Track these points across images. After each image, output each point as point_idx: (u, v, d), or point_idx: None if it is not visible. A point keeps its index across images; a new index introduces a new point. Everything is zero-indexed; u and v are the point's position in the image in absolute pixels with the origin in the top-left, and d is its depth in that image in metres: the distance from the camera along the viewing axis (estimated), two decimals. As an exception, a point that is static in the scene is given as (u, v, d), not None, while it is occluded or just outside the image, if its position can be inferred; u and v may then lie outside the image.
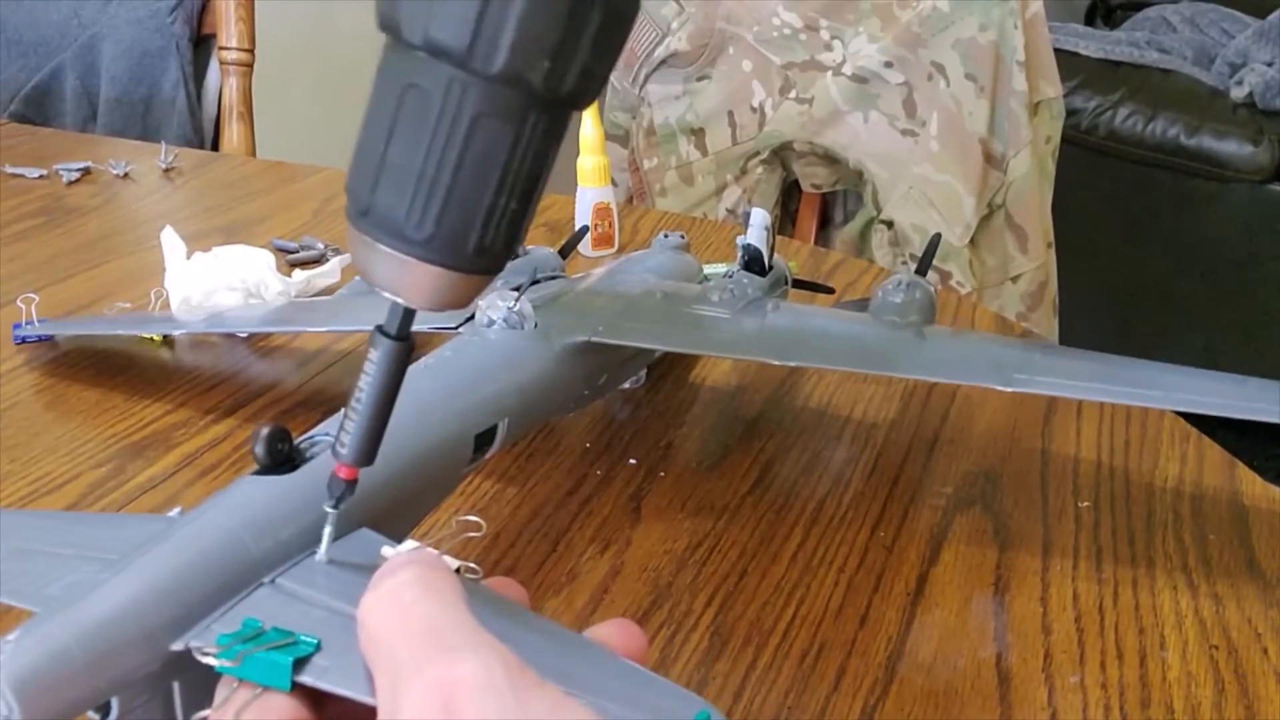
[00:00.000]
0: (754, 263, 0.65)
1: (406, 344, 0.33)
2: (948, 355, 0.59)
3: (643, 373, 0.69)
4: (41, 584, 0.35)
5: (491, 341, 0.53)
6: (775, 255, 0.67)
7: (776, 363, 0.57)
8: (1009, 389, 0.54)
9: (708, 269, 0.76)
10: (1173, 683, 0.49)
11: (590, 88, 0.30)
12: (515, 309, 0.54)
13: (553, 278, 0.67)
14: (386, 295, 0.32)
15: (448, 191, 0.30)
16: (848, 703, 0.48)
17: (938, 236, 0.71)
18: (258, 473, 0.38)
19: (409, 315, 0.33)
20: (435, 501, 0.47)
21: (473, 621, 0.28)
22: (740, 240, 0.66)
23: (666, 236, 0.76)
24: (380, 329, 0.33)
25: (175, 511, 0.38)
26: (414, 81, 0.29)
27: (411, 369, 0.48)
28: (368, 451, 0.34)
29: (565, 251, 0.71)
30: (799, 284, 0.73)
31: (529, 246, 0.72)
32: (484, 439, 0.48)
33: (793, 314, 0.63)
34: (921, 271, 0.65)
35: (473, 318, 0.56)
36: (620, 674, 0.31)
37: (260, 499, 0.36)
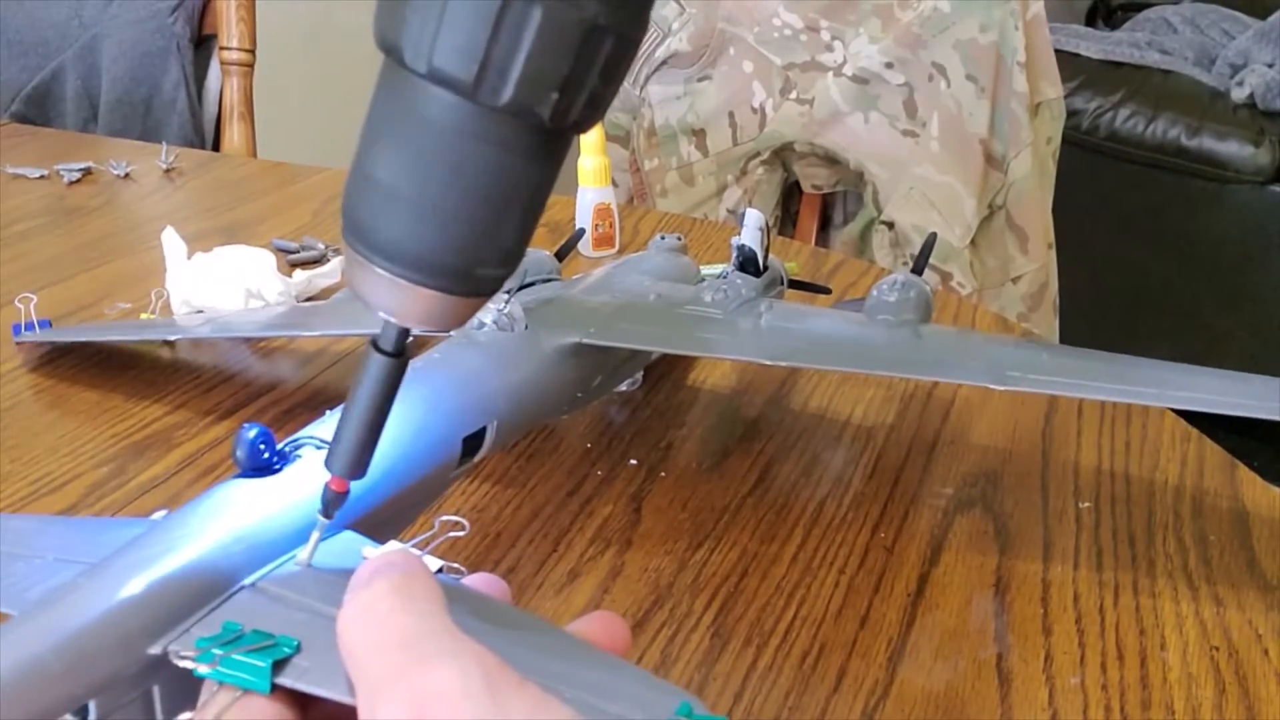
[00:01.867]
0: (748, 263, 0.65)
1: (401, 360, 0.33)
2: (941, 354, 0.59)
3: (639, 375, 0.69)
4: (22, 588, 0.34)
5: (480, 344, 0.53)
6: (770, 255, 0.67)
7: (768, 363, 0.57)
8: (1001, 387, 0.54)
9: (705, 269, 0.76)
10: (1173, 684, 0.49)
11: (596, 115, 0.29)
12: (505, 311, 0.54)
13: (548, 280, 0.67)
14: (382, 315, 0.32)
15: (447, 218, 0.29)
16: (848, 704, 0.47)
17: (934, 236, 0.71)
18: (240, 475, 0.37)
19: (404, 333, 0.32)
20: (424, 504, 0.47)
21: (450, 627, 0.28)
22: (735, 240, 0.66)
23: (663, 238, 0.75)
24: (375, 344, 0.33)
25: (160, 514, 0.38)
26: (415, 107, 0.29)
27: None
28: (359, 464, 0.34)
29: (562, 254, 0.71)
30: (796, 284, 0.73)
31: None
32: (472, 441, 0.48)
33: (785, 314, 0.62)
34: (918, 270, 0.65)
35: None
36: (601, 667, 0.31)
37: (242, 502, 0.36)
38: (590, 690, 0.29)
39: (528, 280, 0.65)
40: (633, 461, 0.64)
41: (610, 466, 0.63)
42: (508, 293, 0.56)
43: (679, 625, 0.52)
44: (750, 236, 0.65)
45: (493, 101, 0.28)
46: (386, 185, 0.30)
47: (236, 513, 0.35)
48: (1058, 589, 0.55)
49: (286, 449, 0.39)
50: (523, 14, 0.27)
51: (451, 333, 0.56)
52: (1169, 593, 0.55)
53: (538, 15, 0.27)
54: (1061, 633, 0.52)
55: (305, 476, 0.38)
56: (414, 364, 0.49)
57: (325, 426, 0.41)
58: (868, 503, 0.61)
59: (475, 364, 0.51)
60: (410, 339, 0.33)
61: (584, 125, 0.29)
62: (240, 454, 0.37)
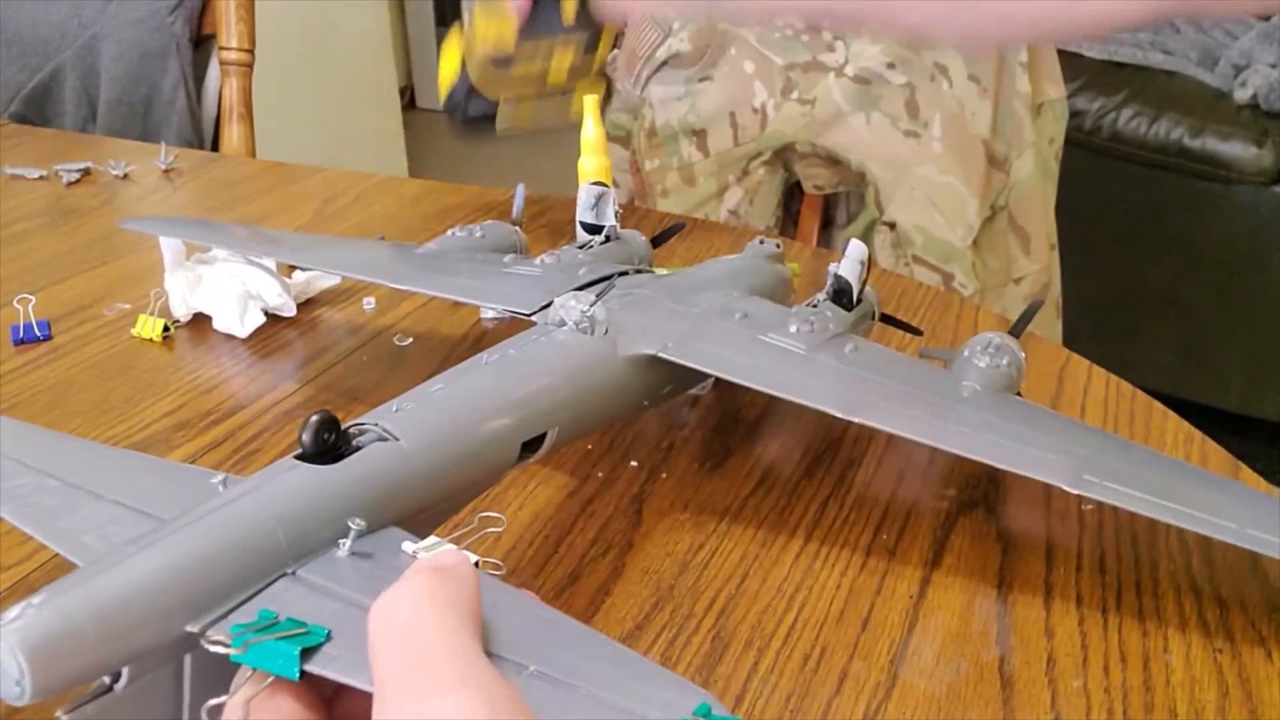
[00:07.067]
0: (841, 294, 0.62)
1: None
2: (1020, 441, 0.54)
3: (710, 380, 0.65)
4: (79, 530, 0.36)
5: (558, 344, 0.52)
6: (867, 288, 0.64)
7: (840, 415, 0.55)
8: (1075, 491, 0.51)
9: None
10: (1176, 686, 0.49)
11: None
12: (589, 313, 0.54)
13: (639, 270, 0.66)
14: None
15: None
16: (850, 706, 0.47)
17: (1038, 304, 0.68)
18: (300, 456, 0.38)
19: None
20: (469, 500, 0.48)
21: (468, 647, 0.28)
22: (832, 268, 0.63)
23: (762, 243, 0.72)
24: None
25: (220, 478, 0.39)
26: None
27: (471, 361, 0.48)
28: None
29: (658, 242, 0.70)
30: (888, 320, 0.69)
31: (621, 230, 0.71)
32: (531, 445, 0.48)
33: (869, 359, 0.59)
34: (1016, 333, 0.62)
35: (549, 305, 0.55)
36: (624, 665, 0.31)
37: (298, 490, 0.37)
38: (610, 688, 0.30)
39: (620, 270, 0.64)
40: (633, 463, 0.64)
41: (611, 467, 0.63)
42: (596, 295, 0.55)
43: (680, 627, 0.51)
44: (849, 268, 0.62)
45: None
46: None
47: (292, 501, 0.36)
48: (1060, 591, 0.55)
49: (351, 432, 0.40)
50: None
51: (533, 318, 0.56)
52: (1172, 594, 0.55)
53: None
54: (1064, 635, 0.52)
55: (360, 469, 0.39)
56: (488, 356, 0.49)
57: (390, 415, 0.42)
58: (869, 504, 0.61)
59: (547, 366, 0.50)
60: None
61: None
62: (305, 438, 0.38)
